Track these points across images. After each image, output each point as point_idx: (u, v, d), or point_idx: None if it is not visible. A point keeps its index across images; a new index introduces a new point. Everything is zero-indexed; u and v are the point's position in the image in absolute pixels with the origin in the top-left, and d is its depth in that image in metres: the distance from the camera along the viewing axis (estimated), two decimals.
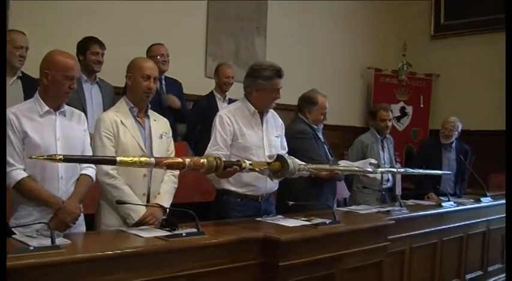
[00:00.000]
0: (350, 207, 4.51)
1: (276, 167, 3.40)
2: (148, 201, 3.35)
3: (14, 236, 2.64)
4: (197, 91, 6.05)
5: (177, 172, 3.49)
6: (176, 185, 3.51)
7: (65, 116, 3.15)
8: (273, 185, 3.76)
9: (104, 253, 2.44)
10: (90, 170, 3.24)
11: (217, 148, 3.57)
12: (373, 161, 4.30)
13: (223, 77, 5.76)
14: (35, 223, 2.77)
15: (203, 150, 3.70)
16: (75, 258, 2.35)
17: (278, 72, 3.65)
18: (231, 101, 5.45)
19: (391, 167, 5.36)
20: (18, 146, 2.97)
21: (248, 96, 3.73)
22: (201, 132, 5.50)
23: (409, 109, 8.90)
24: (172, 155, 3.51)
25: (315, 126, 4.43)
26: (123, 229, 3.11)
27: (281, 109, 4.01)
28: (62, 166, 3.04)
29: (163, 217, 3.29)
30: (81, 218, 3.21)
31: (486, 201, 5.59)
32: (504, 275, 5.71)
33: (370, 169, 4.37)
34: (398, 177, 4.90)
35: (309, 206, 3.79)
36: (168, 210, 3.35)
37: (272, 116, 3.88)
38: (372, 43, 8.88)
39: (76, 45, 4.69)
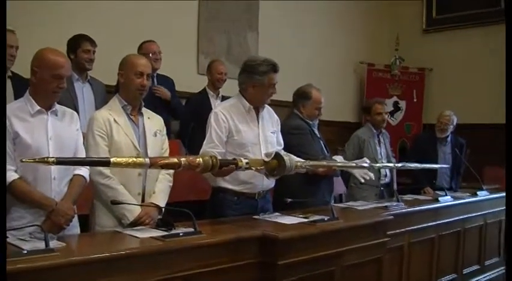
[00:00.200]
0: (347, 203, 4.47)
1: (273, 165, 3.36)
2: (143, 200, 3.29)
3: (6, 239, 2.57)
4: (189, 88, 5.99)
5: (172, 171, 3.42)
6: (171, 184, 3.45)
7: (56, 115, 3.08)
8: (269, 182, 3.71)
9: (100, 255, 2.38)
10: (83, 170, 3.17)
11: (213, 146, 3.52)
12: (367, 161, 4.22)
13: (216, 73, 5.70)
14: (28, 226, 2.70)
15: (197, 148, 3.65)
16: (70, 261, 2.29)
17: (273, 67, 3.60)
18: (224, 98, 5.40)
19: (388, 162, 5.33)
20: (9, 147, 2.89)
21: (243, 93, 3.67)
22: (194, 129, 5.43)
23: (403, 104, 8.86)
24: (167, 153, 3.46)
25: (311, 122, 4.37)
26: (118, 229, 3.06)
27: (274, 105, 3.96)
28: (54, 166, 2.96)
29: (159, 217, 3.24)
30: (75, 219, 3.15)
31: (482, 195, 5.57)
32: (501, 268, 5.75)
33: (366, 164, 4.32)
34: (394, 172, 4.87)
35: (306, 203, 3.74)
36: (163, 209, 3.29)
37: (267, 111, 3.83)
38: (365, 38, 8.84)
39: (66, 43, 4.61)
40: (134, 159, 2.71)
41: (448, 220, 4.88)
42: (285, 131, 4.01)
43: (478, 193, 5.57)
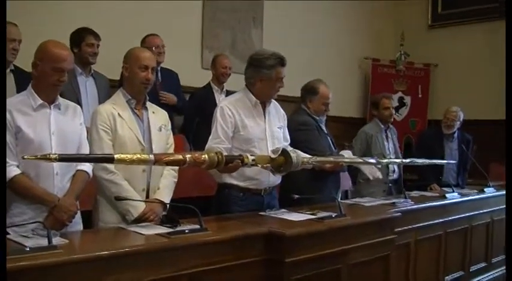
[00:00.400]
0: (354, 199, 4.42)
1: (280, 161, 3.30)
2: (147, 196, 3.24)
3: (8, 236, 2.51)
4: (194, 83, 5.94)
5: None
6: (176, 180, 3.39)
7: (59, 109, 3.02)
8: (275, 178, 3.65)
9: (104, 253, 2.32)
10: (86, 165, 3.12)
11: (219, 141, 3.47)
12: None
13: (221, 67, 5.65)
14: (29, 223, 2.65)
15: (201, 143, 3.60)
16: (73, 259, 2.24)
17: (281, 61, 3.54)
18: (228, 92, 5.35)
19: (396, 157, 5.27)
20: (11, 141, 2.84)
21: (250, 87, 3.61)
22: (198, 124, 5.40)
23: (408, 99, 8.81)
24: (172, 148, 3.41)
25: (318, 118, 4.32)
26: (122, 226, 3.01)
27: (279, 100, 3.90)
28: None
29: (164, 213, 3.19)
30: (78, 215, 3.10)
31: (490, 191, 5.53)
32: None
33: (373, 160, 4.27)
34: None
35: (313, 200, 3.69)
36: (168, 206, 3.23)
37: (274, 106, 3.78)
38: (370, 33, 8.78)
39: (69, 37, 4.55)
40: (139, 155, 2.66)
41: (455, 216, 4.83)
42: (292, 127, 3.96)
43: (485, 189, 5.52)
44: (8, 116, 2.83)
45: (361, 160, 4.13)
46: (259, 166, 3.30)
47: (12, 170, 2.83)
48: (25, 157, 2.41)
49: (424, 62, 8.82)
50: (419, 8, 9.03)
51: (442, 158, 5.73)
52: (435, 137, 6.06)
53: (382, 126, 5.36)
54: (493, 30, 8.15)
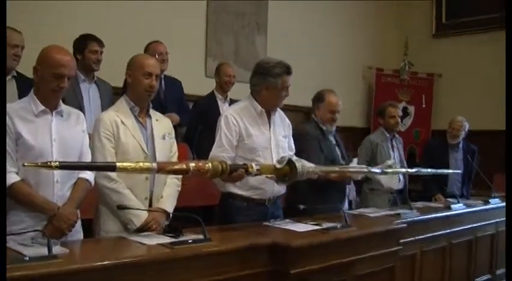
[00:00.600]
0: (359, 210, 4.36)
1: (285, 171, 3.26)
2: (150, 205, 3.18)
3: (7, 245, 2.46)
4: (197, 91, 5.91)
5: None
6: (179, 189, 3.34)
7: (62, 116, 2.97)
8: (280, 188, 3.60)
9: (105, 263, 2.28)
10: (88, 173, 3.06)
11: (222, 150, 3.42)
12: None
13: (225, 76, 5.61)
14: (29, 231, 2.59)
15: (204, 151, 3.55)
16: (74, 269, 2.19)
17: (287, 69, 3.51)
18: (232, 101, 5.31)
19: (401, 167, 5.21)
20: (11, 147, 2.78)
21: (255, 95, 3.57)
22: (201, 133, 5.35)
23: (411, 109, 8.77)
24: (175, 156, 3.36)
25: (325, 128, 4.26)
26: (124, 235, 2.95)
27: (282, 109, 3.85)
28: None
29: (166, 223, 3.13)
30: (79, 224, 3.03)
31: (495, 203, 5.47)
32: None
33: (378, 170, 4.22)
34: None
35: (319, 210, 3.63)
36: (171, 215, 3.18)
37: (279, 115, 3.73)
38: (374, 42, 8.75)
39: (73, 44, 4.52)
40: (141, 164, 2.62)
41: (460, 228, 4.78)
42: (293, 136, 3.91)
43: (490, 200, 5.47)
44: (8, 121, 2.78)
45: (366, 169, 4.07)
46: (264, 175, 3.25)
47: (12, 177, 2.77)
48: (25, 164, 2.36)
49: (428, 72, 8.79)
50: (424, 17, 8.99)
51: (447, 169, 5.68)
52: (440, 147, 6.02)
53: (388, 135, 5.32)
54: (497, 40, 8.09)
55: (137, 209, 3.04)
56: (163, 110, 4.00)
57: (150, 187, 3.18)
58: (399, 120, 5.41)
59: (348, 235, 3.23)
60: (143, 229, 3.06)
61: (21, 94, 3.73)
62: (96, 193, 3.17)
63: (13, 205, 2.82)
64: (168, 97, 5.10)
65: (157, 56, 4.88)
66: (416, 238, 4.15)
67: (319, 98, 4.31)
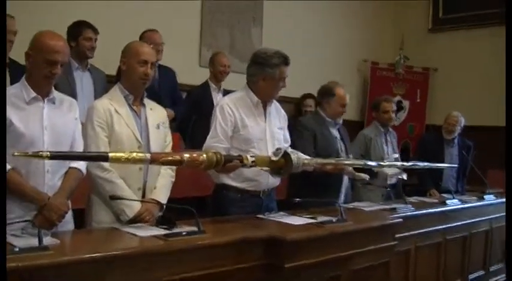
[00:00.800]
0: (353, 204, 4.31)
1: (280, 164, 3.20)
2: (143, 196, 3.12)
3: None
4: (191, 81, 5.85)
5: None
6: (173, 179, 3.28)
7: (54, 103, 2.90)
8: (275, 180, 3.55)
9: (97, 255, 2.21)
10: (80, 162, 3.00)
11: (217, 140, 3.37)
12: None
13: (219, 65, 5.55)
14: (18, 222, 2.53)
15: (197, 141, 3.50)
16: (65, 260, 2.13)
17: (285, 60, 3.47)
18: (226, 91, 5.25)
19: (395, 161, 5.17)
20: None
21: (252, 86, 3.51)
22: (195, 122, 5.29)
23: (406, 103, 8.71)
24: (170, 146, 3.30)
25: (329, 120, 4.28)
26: (116, 226, 2.89)
27: (278, 101, 3.80)
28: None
29: (160, 214, 3.07)
30: (70, 214, 2.98)
31: (489, 199, 5.46)
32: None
33: (374, 163, 4.18)
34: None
35: (314, 203, 3.58)
36: (164, 206, 3.12)
37: (275, 107, 3.68)
38: (369, 36, 8.66)
39: (67, 30, 4.43)
40: (134, 155, 2.55)
41: (455, 223, 4.74)
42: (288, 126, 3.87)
43: (484, 196, 5.45)
44: None
45: (362, 162, 4.02)
46: (259, 168, 3.20)
47: None
48: (15, 153, 2.28)
49: (423, 66, 8.74)
50: (420, 11, 8.93)
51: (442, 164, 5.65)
52: (435, 142, 5.98)
53: (382, 129, 5.27)
54: (494, 36, 8.08)
55: (130, 199, 2.98)
56: (157, 100, 3.93)
57: (144, 177, 3.12)
58: (393, 115, 5.35)
59: (344, 229, 3.18)
60: (136, 220, 3.00)
61: (13, 80, 3.64)
62: (88, 183, 3.10)
63: None
64: (162, 86, 5.03)
65: (152, 46, 4.80)
66: (412, 233, 4.11)
67: (328, 92, 4.31)
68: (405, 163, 4.68)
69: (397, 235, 3.64)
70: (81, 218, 3.20)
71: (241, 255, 2.73)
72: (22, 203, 2.77)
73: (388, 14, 8.96)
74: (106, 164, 2.98)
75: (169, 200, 3.22)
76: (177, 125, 5.45)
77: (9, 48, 4.00)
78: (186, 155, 2.77)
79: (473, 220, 5.05)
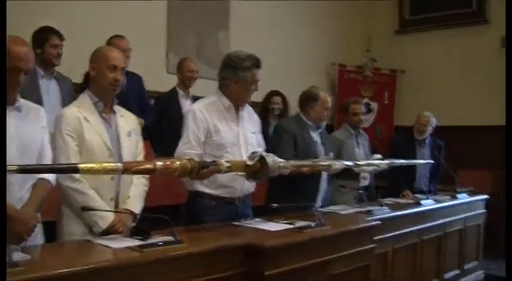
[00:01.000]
0: (329, 207, 4.25)
1: (256, 168, 3.13)
2: (116, 206, 3.02)
3: None
4: (159, 87, 5.75)
5: None
6: (147, 188, 3.18)
7: (20, 112, 2.77)
8: (250, 186, 3.49)
9: (69, 270, 2.11)
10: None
11: (190, 146, 3.29)
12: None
13: (187, 71, 5.46)
14: None
15: (166, 148, 3.39)
16: (37, 277, 2.02)
17: (257, 62, 3.41)
18: (194, 98, 5.16)
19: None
20: None
21: (224, 90, 3.44)
22: (164, 130, 5.18)
23: (374, 105, 8.72)
24: (141, 155, 3.20)
25: (310, 124, 4.26)
26: (89, 238, 2.79)
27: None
28: None
29: (133, 224, 2.97)
30: (39, 227, 2.84)
31: (462, 197, 5.48)
32: (480, 272, 5.84)
33: (351, 163, 4.15)
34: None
35: (293, 208, 3.52)
36: (138, 216, 3.02)
37: (247, 111, 3.61)
38: (337, 38, 8.65)
39: (31, 37, 4.29)
40: (106, 165, 2.44)
41: (430, 224, 4.78)
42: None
43: (457, 196, 5.47)
44: None
45: (338, 163, 3.97)
46: (234, 173, 3.13)
47: None
48: None
49: (390, 68, 8.77)
50: (387, 13, 8.97)
51: (415, 165, 5.65)
52: (406, 143, 5.96)
53: (353, 132, 5.22)
54: (460, 36, 8.19)
55: (102, 210, 2.88)
56: (126, 106, 3.83)
57: (116, 187, 3.02)
58: (363, 117, 5.32)
59: (323, 233, 3.13)
60: (109, 231, 2.90)
61: None
62: (58, 194, 2.99)
63: None
64: (129, 93, 4.91)
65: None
66: (389, 235, 4.10)
67: (311, 97, 4.29)
68: (383, 162, 4.66)
69: (375, 237, 3.61)
70: (52, 231, 3.08)
71: (220, 264, 2.65)
72: None
73: (355, 16, 8.96)
74: (77, 175, 2.86)
75: (144, 209, 3.13)
76: (146, 133, 5.35)
77: None
78: (159, 163, 2.68)
79: (447, 220, 5.09)
